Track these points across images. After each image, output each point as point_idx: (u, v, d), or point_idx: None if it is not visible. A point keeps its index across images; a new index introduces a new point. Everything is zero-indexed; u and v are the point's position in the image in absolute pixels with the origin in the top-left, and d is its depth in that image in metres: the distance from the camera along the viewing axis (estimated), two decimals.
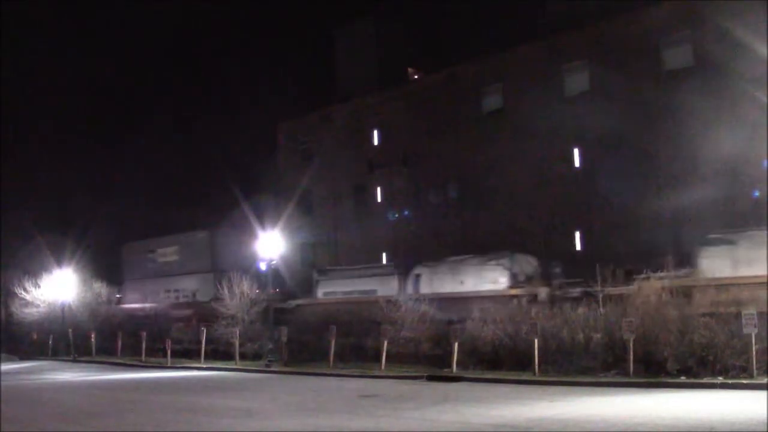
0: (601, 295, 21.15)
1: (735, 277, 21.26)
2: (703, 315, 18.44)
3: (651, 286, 20.56)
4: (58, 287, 40.77)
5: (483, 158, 37.62)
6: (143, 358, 32.43)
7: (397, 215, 42.19)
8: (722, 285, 20.46)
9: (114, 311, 41.85)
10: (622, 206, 31.87)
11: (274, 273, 31.81)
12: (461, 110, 39.19)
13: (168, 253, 55.97)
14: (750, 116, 27.87)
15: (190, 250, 53.94)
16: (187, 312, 36.94)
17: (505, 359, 21.03)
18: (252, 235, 31.36)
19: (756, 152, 27.65)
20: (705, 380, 16.64)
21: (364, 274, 33.26)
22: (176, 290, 52.20)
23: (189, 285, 51.39)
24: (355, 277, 33.38)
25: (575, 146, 34.50)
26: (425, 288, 29.16)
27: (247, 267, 33.68)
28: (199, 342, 30.31)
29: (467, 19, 46.71)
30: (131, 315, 40.61)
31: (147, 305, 42.28)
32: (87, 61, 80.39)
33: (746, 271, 21.42)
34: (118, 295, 50.56)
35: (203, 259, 52.20)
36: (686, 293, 20.22)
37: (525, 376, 19.36)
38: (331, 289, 33.66)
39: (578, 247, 33.97)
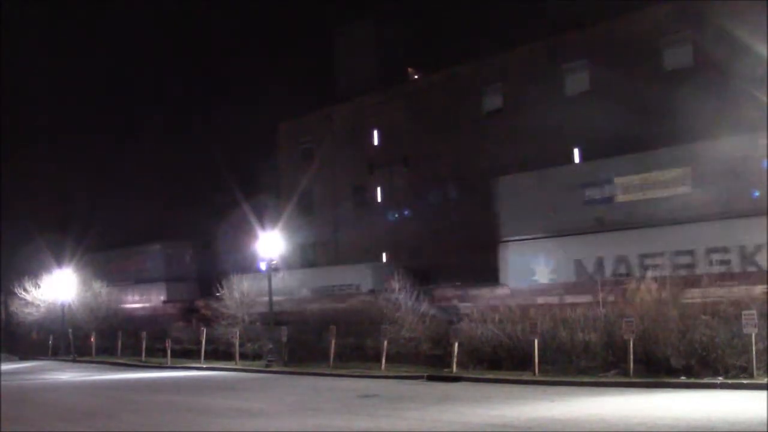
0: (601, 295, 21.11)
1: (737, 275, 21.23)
2: (704, 314, 18.41)
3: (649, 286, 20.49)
4: (58, 287, 40.79)
5: (483, 158, 37.59)
6: (143, 358, 32.45)
7: (397, 215, 42.20)
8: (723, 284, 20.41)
9: (115, 311, 41.76)
10: None
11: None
12: (461, 110, 39.18)
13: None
14: (750, 116, 27.84)
15: None
16: None
17: (505, 359, 21.03)
18: None
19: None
20: (705, 380, 16.63)
21: None
22: None
23: None
24: None
25: (575, 146, 34.50)
26: None
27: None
28: (199, 342, 30.33)
29: (467, 19, 46.68)
30: (132, 315, 40.62)
31: None
32: (87, 60, 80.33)
33: None
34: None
35: None
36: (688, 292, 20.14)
37: (525, 376, 19.36)
38: None
39: None
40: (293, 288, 35.71)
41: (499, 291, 26.61)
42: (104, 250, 51.15)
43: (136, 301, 47.88)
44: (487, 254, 29.47)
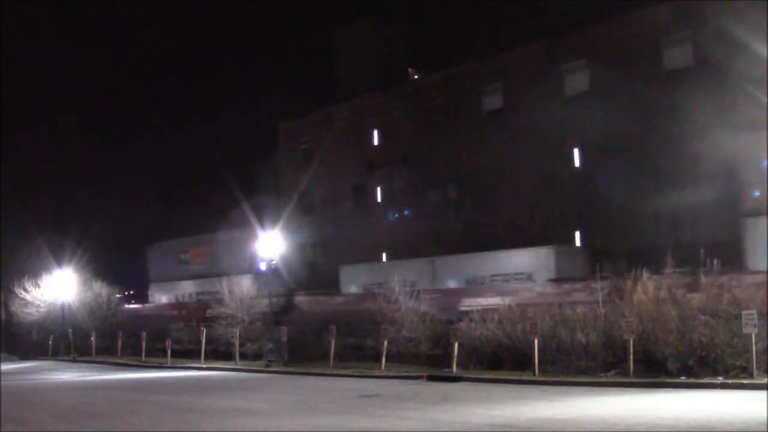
0: (601, 295, 21.09)
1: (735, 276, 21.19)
2: (703, 314, 18.38)
3: (648, 286, 20.46)
4: (58, 287, 40.78)
5: (483, 158, 37.62)
6: (143, 358, 32.44)
7: (397, 215, 42.21)
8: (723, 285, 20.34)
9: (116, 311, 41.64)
10: (622, 206, 31.85)
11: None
12: (461, 110, 39.22)
13: None
14: (750, 116, 27.85)
15: None
16: None
17: (505, 359, 21.02)
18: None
19: (756, 152, 27.61)
20: (705, 380, 16.62)
21: None
22: None
23: None
24: None
25: (575, 146, 34.51)
26: None
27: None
28: (199, 342, 30.33)
29: (467, 19, 46.72)
30: (134, 315, 40.48)
31: None
32: (87, 60, 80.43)
33: None
34: None
35: None
36: (686, 292, 20.11)
37: (525, 376, 19.36)
38: None
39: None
40: (441, 277, 32.22)
41: (749, 279, 19.69)
42: (165, 240, 49.82)
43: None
44: (723, 232, 24.48)
